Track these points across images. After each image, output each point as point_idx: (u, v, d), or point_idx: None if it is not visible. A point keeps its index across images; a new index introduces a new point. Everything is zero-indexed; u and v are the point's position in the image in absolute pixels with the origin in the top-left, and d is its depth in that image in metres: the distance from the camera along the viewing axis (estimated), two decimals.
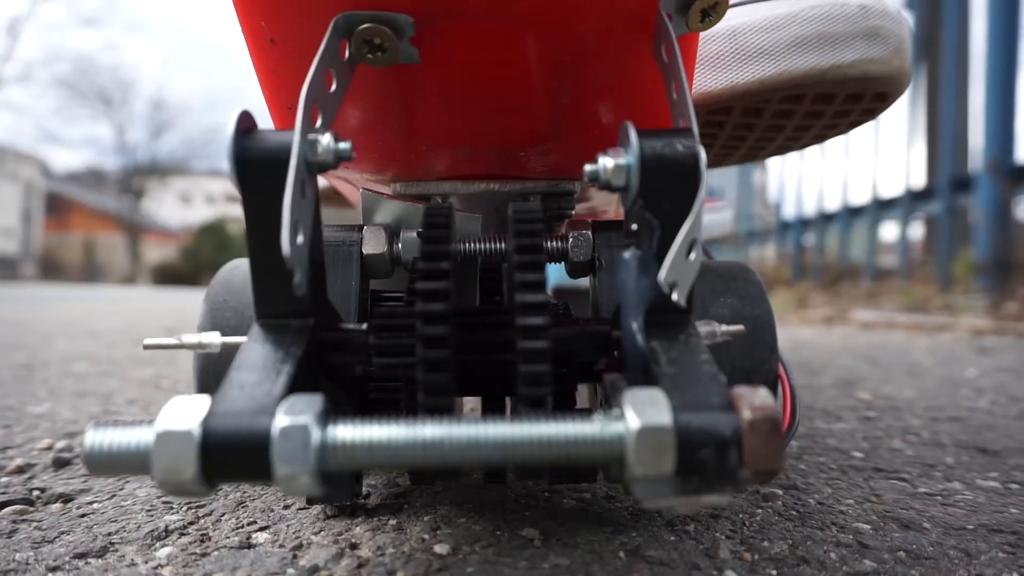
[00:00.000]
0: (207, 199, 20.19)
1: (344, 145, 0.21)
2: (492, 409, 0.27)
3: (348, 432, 0.16)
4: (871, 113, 0.45)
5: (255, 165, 0.20)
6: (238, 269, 0.36)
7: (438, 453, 0.16)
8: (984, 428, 0.54)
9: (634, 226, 0.21)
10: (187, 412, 0.16)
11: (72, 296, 4.44)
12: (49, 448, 0.45)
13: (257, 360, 0.19)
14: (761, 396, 0.16)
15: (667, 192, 0.20)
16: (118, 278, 14.73)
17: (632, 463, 0.16)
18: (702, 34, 0.38)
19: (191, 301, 3.76)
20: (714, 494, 0.16)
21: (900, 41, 0.40)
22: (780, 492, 0.36)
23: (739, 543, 0.29)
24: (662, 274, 0.19)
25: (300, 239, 0.19)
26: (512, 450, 0.16)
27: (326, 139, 0.21)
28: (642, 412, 0.16)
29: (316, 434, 0.16)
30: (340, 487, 0.28)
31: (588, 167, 0.21)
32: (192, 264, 13.93)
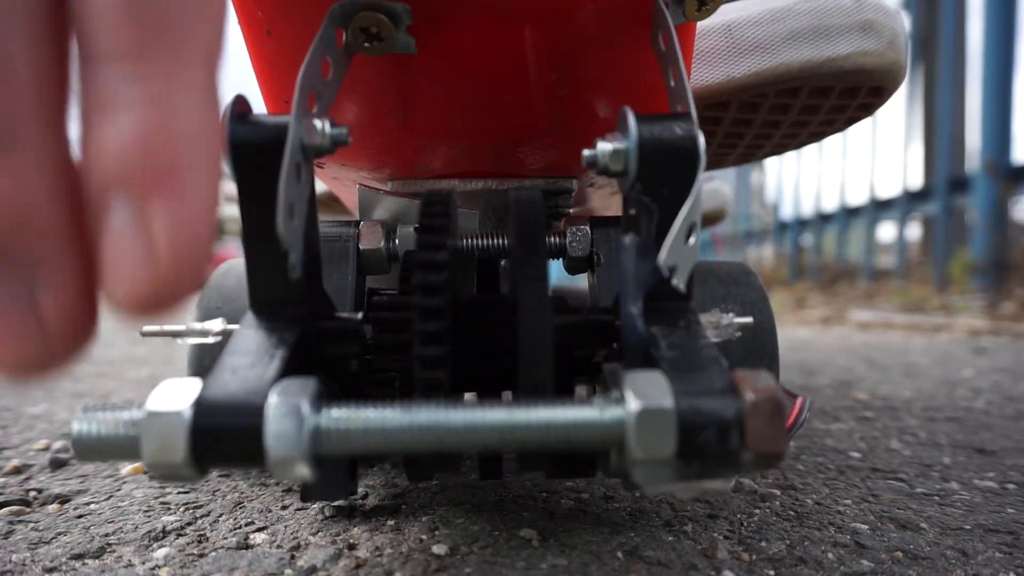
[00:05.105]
0: None
1: (341, 130, 0.21)
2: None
3: (343, 415, 0.16)
4: (867, 109, 0.45)
5: (250, 149, 0.20)
6: (230, 273, 0.36)
7: (434, 437, 0.16)
8: (981, 428, 0.54)
9: (632, 211, 0.21)
10: (177, 394, 0.16)
11: None
12: (46, 449, 0.45)
13: (250, 345, 0.18)
14: (763, 378, 0.16)
15: (665, 176, 0.20)
16: None
17: (632, 446, 0.15)
18: (698, 29, 0.38)
19: (188, 301, 3.76)
20: (716, 479, 0.16)
21: (894, 35, 0.40)
22: (778, 492, 0.36)
23: (737, 543, 0.29)
24: (661, 256, 0.19)
25: (295, 221, 0.19)
26: (510, 434, 0.16)
27: (322, 123, 0.20)
28: (642, 394, 0.16)
29: (310, 417, 0.16)
30: (334, 484, 0.28)
31: (586, 152, 0.21)
32: None
